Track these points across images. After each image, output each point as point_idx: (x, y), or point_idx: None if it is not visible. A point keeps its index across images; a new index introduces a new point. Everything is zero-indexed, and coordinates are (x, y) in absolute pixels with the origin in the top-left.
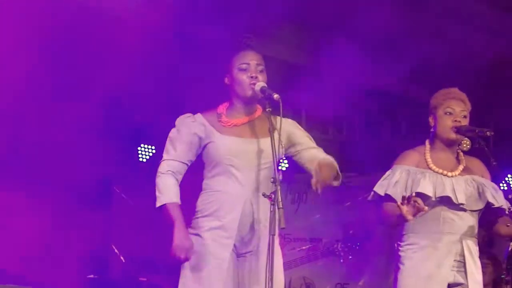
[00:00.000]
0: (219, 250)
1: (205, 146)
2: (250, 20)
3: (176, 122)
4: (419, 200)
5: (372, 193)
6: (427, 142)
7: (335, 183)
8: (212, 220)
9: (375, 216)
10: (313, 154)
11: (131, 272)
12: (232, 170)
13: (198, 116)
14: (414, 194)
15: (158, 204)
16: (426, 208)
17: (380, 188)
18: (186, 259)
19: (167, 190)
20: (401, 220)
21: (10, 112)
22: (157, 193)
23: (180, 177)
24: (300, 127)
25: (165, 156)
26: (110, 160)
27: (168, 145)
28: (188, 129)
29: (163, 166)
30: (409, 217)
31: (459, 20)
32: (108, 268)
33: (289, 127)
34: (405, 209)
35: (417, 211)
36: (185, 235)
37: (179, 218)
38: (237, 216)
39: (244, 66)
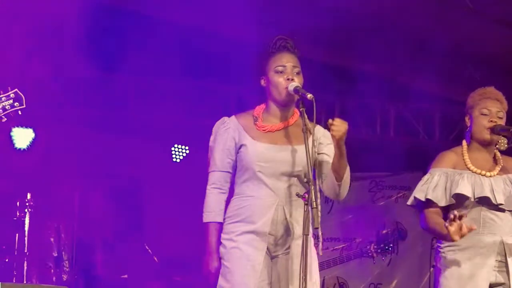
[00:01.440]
0: (253, 253)
1: (238, 149)
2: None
3: (213, 130)
4: (465, 220)
5: (413, 198)
6: (464, 142)
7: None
8: (244, 225)
9: (410, 218)
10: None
11: (165, 272)
12: (261, 177)
13: (232, 119)
14: (457, 215)
15: (203, 220)
16: (474, 227)
17: (420, 193)
18: (213, 280)
19: (211, 209)
20: (448, 238)
21: (69, 118)
22: (204, 208)
23: (226, 186)
24: (331, 140)
25: (210, 167)
26: (144, 160)
27: (209, 155)
28: (222, 138)
29: (210, 179)
30: (456, 237)
31: None
32: (142, 268)
33: (324, 139)
34: (452, 229)
35: (465, 231)
36: (212, 260)
37: (213, 241)
38: (269, 220)
39: (280, 68)
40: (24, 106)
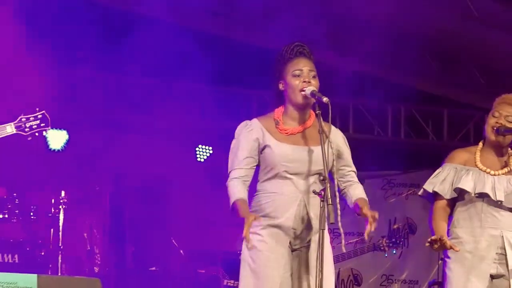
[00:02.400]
0: (276, 247)
1: (262, 149)
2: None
3: (236, 132)
4: (445, 238)
5: (422, 189)
6: (481, 142)
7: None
8: (269, 220)
9: (419, 213)
10: (353, 187)
11: (190, 265)
12: (286, 175)
13: (255, 121)
14: (439, 239)
15: (230, 203)
16: (457, 248)
17: (429, 185)
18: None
19: (233, 191)
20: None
21: (100, 120)
22: (229, 196)
23: (247, 180)
24: (346, 142)
25: (231, 166)
26: (171, 160)
27: (230, 156)
28: (245, 138)
29: (230, 176)
30: (439, 250)
31: None
32: (168, 260)
33: (339, 139)
34: (435, 246)
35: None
36: (248, 215)
37: (245, 210)
38: (292, 215)
39: (297, 72)
40: (50, 127)
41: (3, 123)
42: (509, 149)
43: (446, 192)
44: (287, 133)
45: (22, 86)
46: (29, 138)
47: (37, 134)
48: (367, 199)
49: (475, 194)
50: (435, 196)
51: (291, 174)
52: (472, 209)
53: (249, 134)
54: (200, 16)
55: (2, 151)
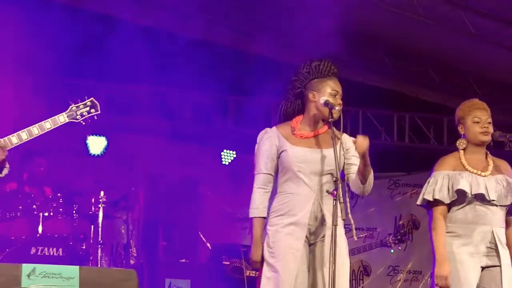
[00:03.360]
0: (294, 242)
1: (280, 154)
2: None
3: (257, 139)
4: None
5: (422, 198)
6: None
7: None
8: (287, 218)
9: (422, 211)
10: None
11: (216, 257)
12: (300, 175)
13: (274, 129)
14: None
15: (249, 215)
16: None
17: (428, 194)
18: (257, 268)
19: (256, 206)
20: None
21: (135, 127)
22: (250, 205)
23: (269, 186)
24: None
25: (255, 170)
26: (198, 163)
27: (255, 160)
28: (265, 144)
29: (256, 181)
30: None
31: None
32: (197, 253)
33: (349, 143)
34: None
35: None
36: (257, 250)
37: (257, 233)
38: (307, 213)
39: (334, 92)
40: (99, 112)
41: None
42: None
43: (446, 198)
44: (301, 137)
45: (65, 95)
46: (83, 124)
47: (89, 120)
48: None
49: (472, 195)
50: (434, 202)
51: (304, 174)
52: (467, 208)
53: (268, 141)
54: (226, 33)
55: (48, 157)
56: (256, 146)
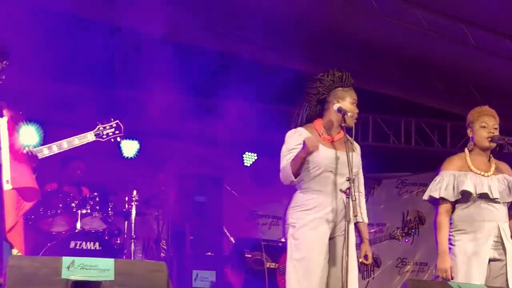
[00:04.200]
0: (319, 236)
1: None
2: None
3: (286, 137)
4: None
5: (428, 195)
6: (466, 149)
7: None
8: (313, 213)
9: (427, 208)
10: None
11: (238, 250)
12: (328, 175)
13: (302, 129)
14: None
15: (291, 166)
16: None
17: (434, 192)
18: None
19: (287, 162)
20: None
21: (166, 132)
22: (288, 169)
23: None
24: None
25: (281, 164)
26: (223, 164)
27: (282, 157)
28: (296, 140)
29: (284, 163)
30: None
31: None
32: (222, 246)
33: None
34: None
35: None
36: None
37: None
38: (332, 209)
39: (353, 101)
40: (122, 134)
41: (84, 132)
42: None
43: (451, 196)
44: (329, 140)
45: (103, 103)
46: (103, 141)
47: (112, 140)
48: (367, 221)
49: (476, 194)
50: (440, 200)
51: (332, 174)
52: (472, 206)
53: (300, 137)
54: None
55: (85, 160)
56: (284, 146)
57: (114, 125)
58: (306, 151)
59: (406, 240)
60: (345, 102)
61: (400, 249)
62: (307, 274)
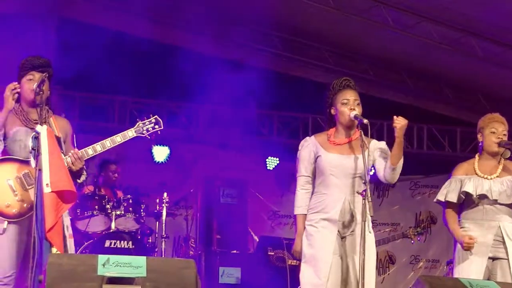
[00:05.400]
0: (327, 234)
1: (316, 159)
2: None
3: (299, 146)
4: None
5: (436, 199)
6: (477, 154)
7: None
8: (321, 214)
9: (439, 209)
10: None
11: (262, 248)
12: (332, 178)
13: (312, 138)
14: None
15: (294, 212)
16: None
17: (441, 196)
18: (299, 258)
19: (299, 204)
20: (458, 239)
21: (194, 138)
22: (294, 203)
23: (309, 186)
24: (385, 146)
25: (297, 173)
26: (247, 168)
27: (297, 164)
28: (305, 151)
29: (298, 183)
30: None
31: None
32: (246, 245)
33: (378, 145)
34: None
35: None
36: (299, 241)
37: (300, 227)
38: (338, 211)
39: (345, 101)
40: (162, 127)
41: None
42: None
43: (455, 198)
44: (335, 144)
45: (134, 112)
46: (148, 138)
47: (153, 135)
48: None
49: (476, 195)
50: (446, 203)
51: (336, 177)
52: (476, 207)
53: (307, 148)
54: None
55: (121, 165)
56: (298, 152)
57: (154, 120)
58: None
59: (419, 238)
60: (338, 105)
61: (413, 247)
62: (316, 271)
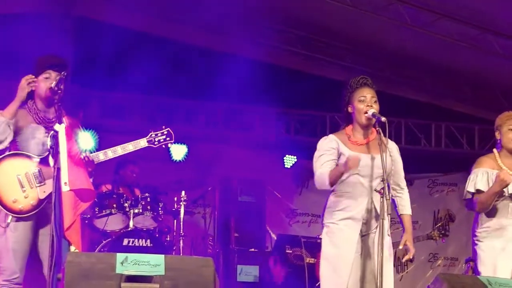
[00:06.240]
0: (350, 233)
1: (338, 157)
2: None
3: (318, 145)
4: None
5: (466, 192)
6: (495, 150)
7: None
8: (344, 213)
9: (457, 207)
10: (400, 198)
11: (280, 246)
12: (356, 177)
13: (332, 136)
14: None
15: (329, 178)
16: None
17: (471, 187)
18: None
19: (323, 171)
20: (497, 181)
21: (212, 137)
22: (325, 177)
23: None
24: (399, 154)
25: (316, 170)
26: (265, 166)
27: (314, 164)
28: (327, 147)
29: (316, 174)
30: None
31: None
32: (264, 243)
33: (394, 151)
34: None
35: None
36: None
37: (340, 169)
38: (361, 209)
39: (362, 98)
40: (173, 140)
41: (137, 138)
42: None
43: (486, 187)
44: (357, 144)
45: (154, 111)
46: (155, 147)
47: (163, 146)
48: (410, 212)
49: (509, 193)
50: (475, 194)
51: (360, 176)
52: (500, 204)
53: (329, 144)
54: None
55: (139, 165)
56: (316, 152)
57: (165, 132)
58: (345, 167)
59: (443, 240)
60: (355, 103)
61: (432, 245)
62: (337, 269)
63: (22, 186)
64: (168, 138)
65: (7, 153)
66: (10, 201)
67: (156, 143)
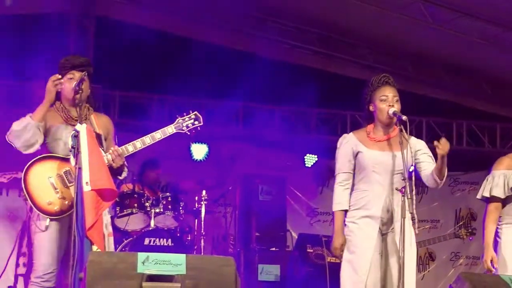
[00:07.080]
0: (369, 231)
1: (356, 155)
2: None
3: (338, 144)
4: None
5: (481, 195)
6: None
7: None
8: (363, 211)
9: (478, 205)
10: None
11: (300, 245)
12: (374, 175)
13: (350, 135)
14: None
15: (333, 209)
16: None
17: (486, 192)
18: (340, 255)
19: (338, 201)
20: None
21: (233, 136)
22: (333, 200)
23: (348, 183)
24: (426, 147)
25: (336, 171)
26: (285, 166)
27: (336, 162)
28: (344, 147)
29: (337, 179)
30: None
31: None
32: (285, 242)
33: (421, 145)
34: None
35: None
36: (338, 238)
37: (339, 224)
38: (380, 208)
39: (384, 97)
40: (202, 123)
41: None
42: None
43: (501, 193)
44: (375, 140)
45: (173, 110)
46: (188, 134)
47: (193, 131)
48: None
49: None
50: (491, 198)
51: (378, 174)
52: None
53: (346, 145)
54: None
55: (161, 165)
56: (337, 150)
57: (193, 116)
58: (334, 251)
59: (471, 238)
60: (377, 102)
61: (454, 243)
62: (356, 268)
63: (55, 188)
64: (196, 122)
65: (38, 156)
66: (45, 204)
67: (184, 128)
